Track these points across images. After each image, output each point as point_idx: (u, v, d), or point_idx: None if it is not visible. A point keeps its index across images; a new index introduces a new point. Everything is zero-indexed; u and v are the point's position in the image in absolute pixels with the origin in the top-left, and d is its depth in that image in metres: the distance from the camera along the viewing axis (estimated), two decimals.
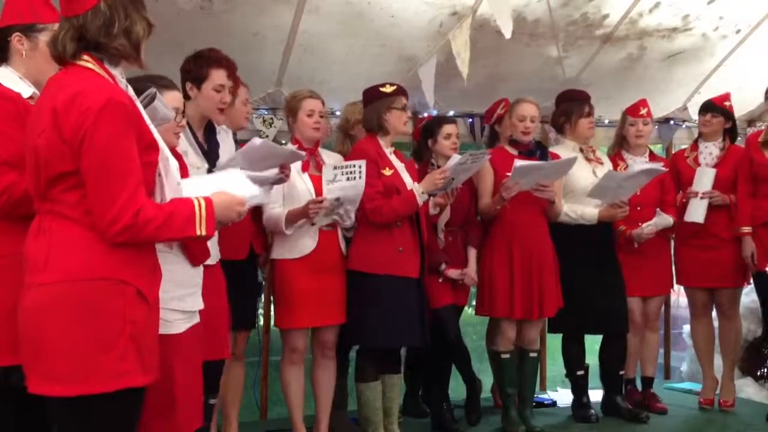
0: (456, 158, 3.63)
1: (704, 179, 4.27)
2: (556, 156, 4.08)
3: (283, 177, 3.07)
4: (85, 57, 1.88)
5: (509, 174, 3.75)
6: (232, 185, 2.13)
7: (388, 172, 3.58)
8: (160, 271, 2.03)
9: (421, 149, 4.12)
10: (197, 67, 3.03)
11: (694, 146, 4.53)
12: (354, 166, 3.33)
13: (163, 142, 2.00)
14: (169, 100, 2.37)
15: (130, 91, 1.98)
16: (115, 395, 1.81)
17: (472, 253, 4.01)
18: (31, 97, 2.32)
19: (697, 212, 4.28)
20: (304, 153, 3.34)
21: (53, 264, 1.82)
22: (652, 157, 4.48)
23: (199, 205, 1.93)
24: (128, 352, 1.83)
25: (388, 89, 3.62)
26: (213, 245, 2.88)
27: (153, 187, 1.94)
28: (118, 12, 1.89)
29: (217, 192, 2.04)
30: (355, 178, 3.33)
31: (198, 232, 1.92)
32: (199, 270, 2.53)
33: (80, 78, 1.85)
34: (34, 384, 1.83)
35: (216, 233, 2.79)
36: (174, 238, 1.97)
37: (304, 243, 3.48)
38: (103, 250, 1.82)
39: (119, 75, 1.95)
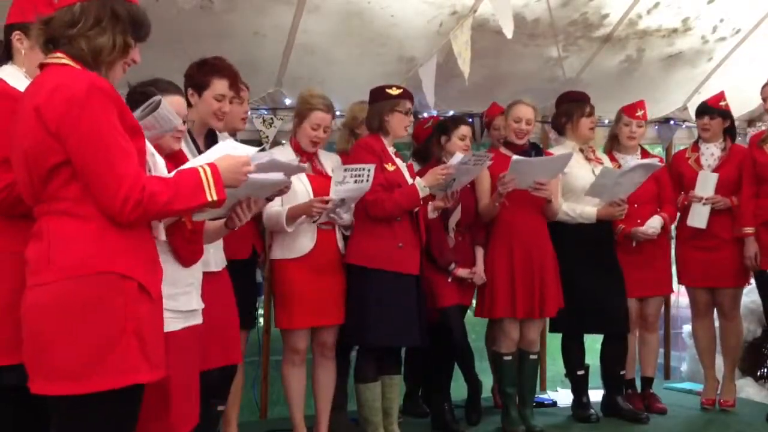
0: (459, 157, 3.63)
1: (707, 184, 4.27)
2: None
3: (285, 188, 3.06)
4: (58, 54, 1.89)
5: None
6: (231, 150, 2.09)
7: (390, 167, 3.58)
8: (160, 265, 2.03)
9: (426, 150, 4.13)
10: (200, 75, 3.02)
11: (695, 147, 4.53)
12: (363, 169, 3.34)
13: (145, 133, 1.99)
14: (171, 105, 2.37)
15: None
16: (120, 392, 1.81)
17: (480, 253, 4.01)
18: None
19: (699, 217, 4.28)
20: (306, 165, 3.35)
21: (54, 263, 1.82)
22: (645, 154, 4.49)
23: (204, 171, 1.92)
24: (132, 348, 1.83)
25: (395, 91, 3.63)
26: (218, 251, 2.88)
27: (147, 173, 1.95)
28: (87, 16, 1.88)
29: (220, 157, 2.01)
30: (362, 180, 3.35)
31: (209, 198, 1.91)
32: (193, 270, 2.49)
33: (57, 74, 1.86)
34: (38, 384, 1.83)
35: (220, 240, 2.81)
36: (186, 208, 1.94)
37: (302, 243, 3.48)
38: (103, 245, 1.83)
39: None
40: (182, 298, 2.42)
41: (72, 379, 1.78)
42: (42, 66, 1.92)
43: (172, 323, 2.34)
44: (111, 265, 1.83)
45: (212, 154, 2.12)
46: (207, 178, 1.91)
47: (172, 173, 1.97)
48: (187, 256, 2.40)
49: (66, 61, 1.88)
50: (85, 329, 1.79)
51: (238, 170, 2.01)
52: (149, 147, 1.98)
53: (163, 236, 2.22)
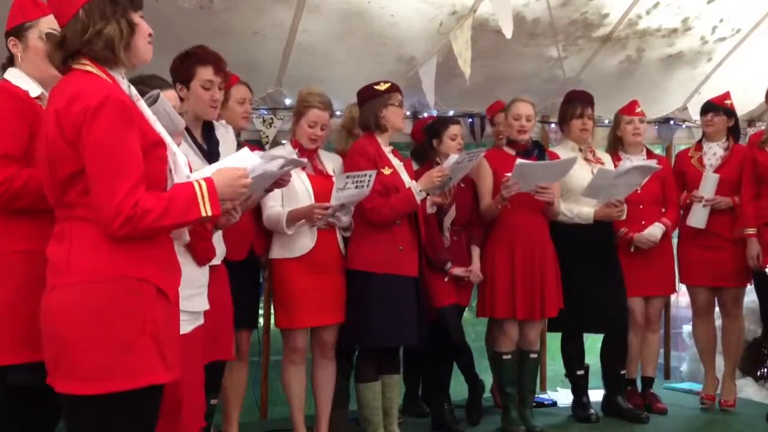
0: (454, 158, 3.65)
1: (708, 185, 4.28)
2: (554, 155, 4.08)
3: (283, 181, 3.05)
4: (84, 61, 1.90)
5: (508, 174, 3.75)
6: (234, 161, 2.07)
7: (387, 171, 3.58)
8: (179, 269, 2.05)
9: (424, 149, 4.13)
10: (184, 67, 2.97)
11: (699, 146, 4.52)
12: (365, 175, 3.34)
13: (168, 137, 2.00)
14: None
15: (134, 92, 1.98)
16: (137, 393, 1.83)
17: (476, 252, 4.01)
18: (38, 98, 2.33)
19: (699, 218, 4.29)
20: (305, 160, 3.34)
21: (74, 266, 1.84)
22: (650, 155, 4.48)
23: (199, 186, 1.91)
24: (149, 349, 1.85)
25: (383, 87, 3.62)
26: (218, 244, 2.87)
27: (165, 181, 1.95)
28: (94, 16, 1.88)
29: (217, 170, 2.00)
30: (363, 186, 3.34)
31: (203, 213, 1.90)
32: (205, 270, 2.53)
33: (78, 80, 1.87)
34: (60, 383, 1.85)
35: (219, 232, 2.82)
36: (180, 223, 1.93)
37: (302, 242, 3.48)
38: (121, 250, 1.84)
39: (119, 76, 1.95)
40: (197, 299, 2.44)
41: (92, 379, 1.80)
42: (66, 70, 1.93)
43: (184, 325, 2.35)
44: (128, 269, 1.85)
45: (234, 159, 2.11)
46: (202, 193, 1.90)
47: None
48: (202, 254, 2.41)
49: (90, 68, 1.89)
50: (104, 331, 1.81)
51: (234, 183, 1.99)
52: (171, 146, 1.97)
53: (186, 239, 2.23)
